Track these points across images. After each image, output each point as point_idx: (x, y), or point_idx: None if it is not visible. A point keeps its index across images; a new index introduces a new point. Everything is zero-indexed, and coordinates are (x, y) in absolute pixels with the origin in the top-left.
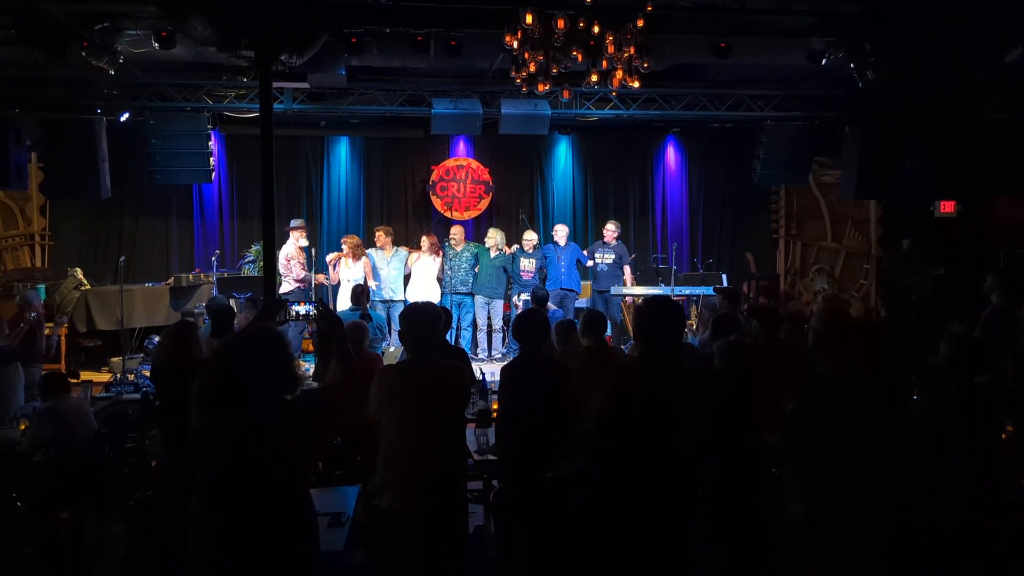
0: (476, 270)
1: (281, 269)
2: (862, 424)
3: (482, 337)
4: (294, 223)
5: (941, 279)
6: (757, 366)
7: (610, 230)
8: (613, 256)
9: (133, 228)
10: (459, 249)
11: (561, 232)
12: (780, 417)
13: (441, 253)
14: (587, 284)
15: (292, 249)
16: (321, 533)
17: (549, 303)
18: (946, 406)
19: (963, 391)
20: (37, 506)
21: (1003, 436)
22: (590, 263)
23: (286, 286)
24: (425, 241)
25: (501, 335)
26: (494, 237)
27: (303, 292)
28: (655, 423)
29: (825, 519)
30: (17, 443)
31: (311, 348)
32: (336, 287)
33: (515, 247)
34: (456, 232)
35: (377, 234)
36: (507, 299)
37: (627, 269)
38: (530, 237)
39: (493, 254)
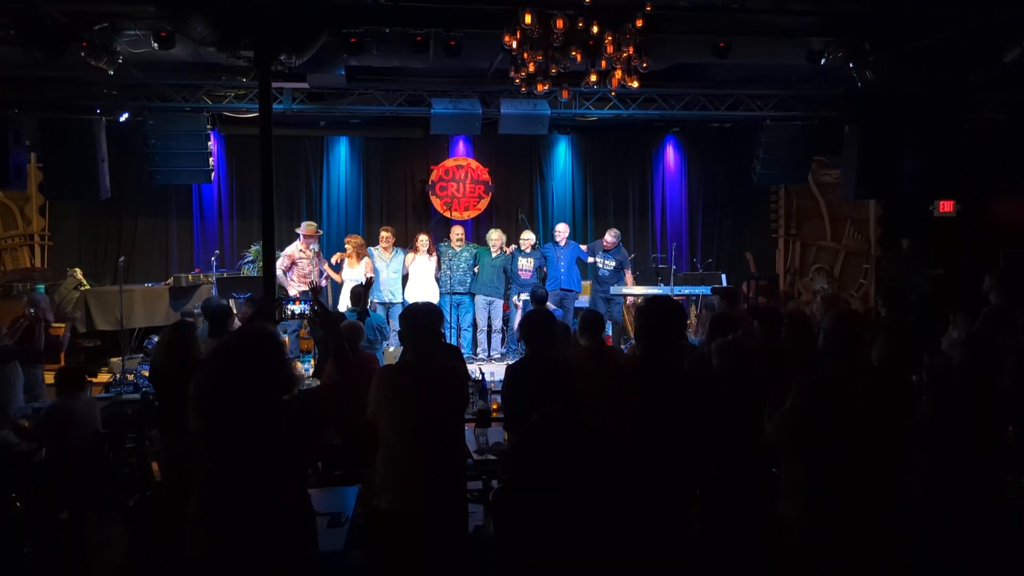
0: (475, 270)
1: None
2: (865, 424)
3: (482, 337)
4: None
5: (940, 278)
6: (757, 366)
7: (609, 241)
8: (614, 262)
9: (132, 228)
10: (458, 249)
11: (562, 232)
12: (777, 411)
13: (436, 252)
14: (587, 284)
15: (294, 249)
16: (320, 533)
17: (548, 303)
18: (953, 406)
19: (971, 391)
20: (36, 506)
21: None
22: (590, 259)
23: (292, 290)
24: (422, 240)
25: (500, 335)
26: (498, 240)
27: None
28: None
29: (820, 517)
30: (16, 444)
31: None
32: (338, 287)
33: (513, 247)
34: (457, 232)
35: (383, 234)
36: (506, 299)
37: (628, 273)
38: (528, 237)
39: (495, 254)
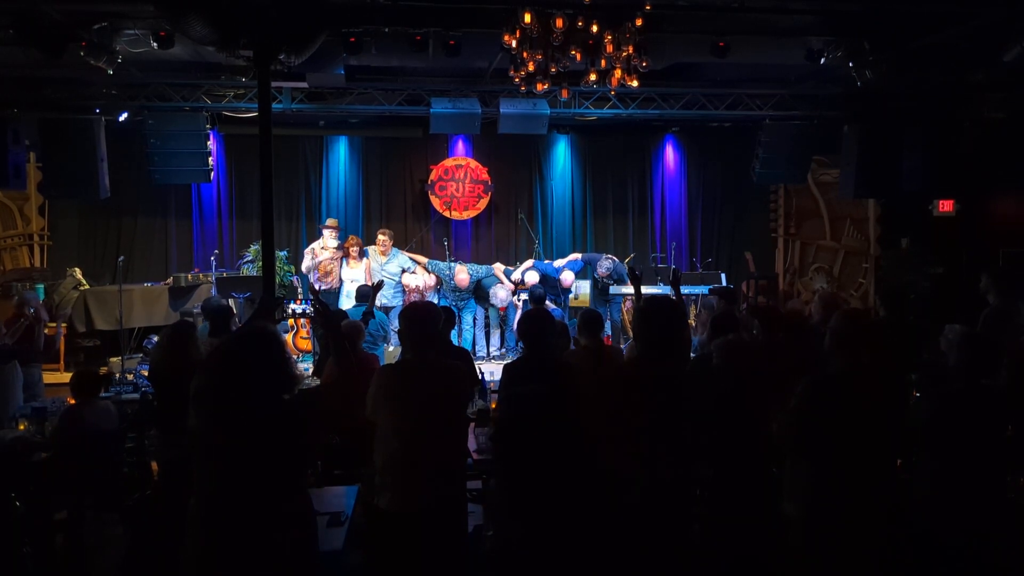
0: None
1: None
2: (869, 423)
3: (480, 336)
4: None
5: (940, 278)
6: (758, 365)
7: (604, 272)
8: (612, 281)
9: (132, 228)
10: (463, 288)
11: (567, 281)
12: (783, 410)
13: (436, 283)
14: (585, 283)
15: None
16: (320, 532)
17: (547, 302)
18: (952, 405)
19: (972, 391)
20: (35, 506)
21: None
22: (588, 264)
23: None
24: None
25: (499, 332)
26: (505, 297)
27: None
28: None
29: (824, 516)
30: (14, 444)
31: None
32: (339, 287)
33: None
34: (462, 277)
35: (380, 238)
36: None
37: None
38: (531, 277)
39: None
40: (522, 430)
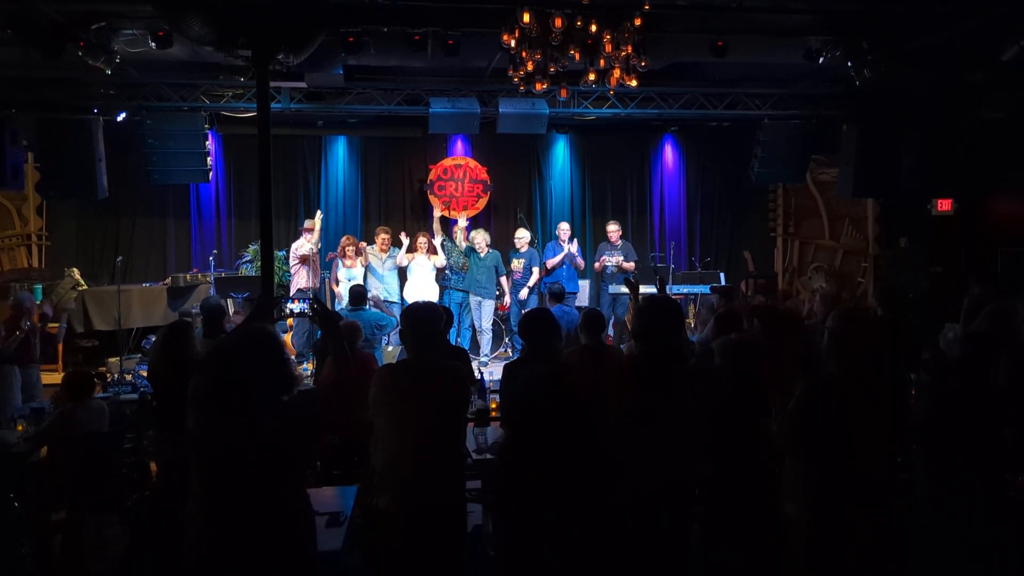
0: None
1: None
2: (869, 423)
3: (486, 340)
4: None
5: (939, 277)
6: (759, 365)
7: (613, 230)
8: (620, 256)
9: (130, 228)
10: (463, 246)
11: (564, 230)
12: (782, 411)
13: (436, 252)
14: (585, 282)
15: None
16: (319, 533)
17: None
18: (951, 404)
19: (969, 390)
20: (34, 507)
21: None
22: (597, 265)
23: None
24: (422, 242)
25: (490, 336)
26: (482, 241)
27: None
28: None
29: (825, 517)
30: (15, 444)
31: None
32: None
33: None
34: (462, 226)
35: (382, 236)
36: (499, 300)
37: (631, 264)
38: (521, 235)
39: (483, 254)
40: (536, 409)
